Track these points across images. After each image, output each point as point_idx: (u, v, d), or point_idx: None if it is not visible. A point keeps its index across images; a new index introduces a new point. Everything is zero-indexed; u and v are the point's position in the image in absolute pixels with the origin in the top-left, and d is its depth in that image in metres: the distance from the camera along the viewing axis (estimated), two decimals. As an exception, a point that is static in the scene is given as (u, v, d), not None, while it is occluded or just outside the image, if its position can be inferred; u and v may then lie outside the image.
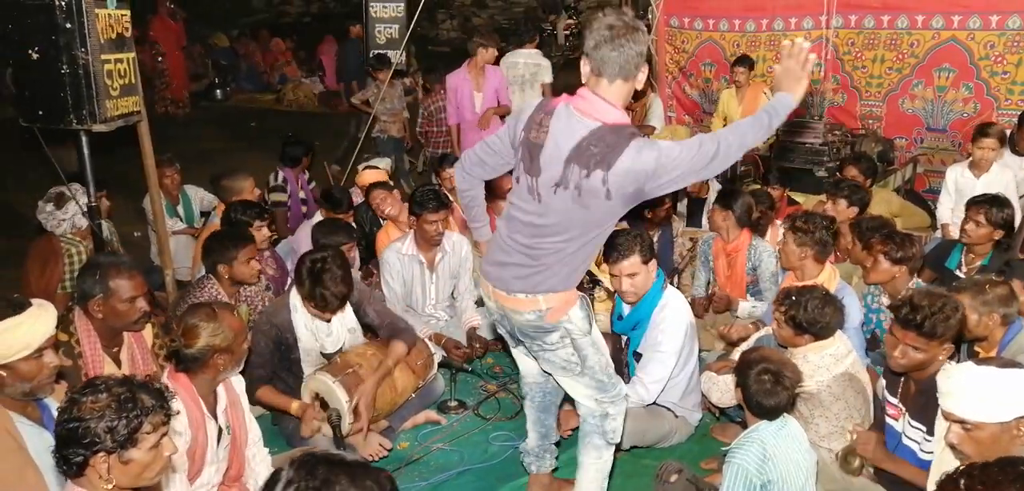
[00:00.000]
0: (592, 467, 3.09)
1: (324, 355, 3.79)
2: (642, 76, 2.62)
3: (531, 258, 2.74)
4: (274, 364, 3.70)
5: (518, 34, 7.90)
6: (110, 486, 1.99)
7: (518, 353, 3.17)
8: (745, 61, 7.19)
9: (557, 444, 3.38)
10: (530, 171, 2.66)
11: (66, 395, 2.03)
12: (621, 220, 2.82)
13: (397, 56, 8.51)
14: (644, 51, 2.58)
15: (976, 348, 3.30)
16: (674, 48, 8.33)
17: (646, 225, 5.05)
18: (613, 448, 3.12)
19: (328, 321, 3.75)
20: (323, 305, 3.59)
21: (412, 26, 8.00)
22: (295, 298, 3.72)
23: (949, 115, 6.75)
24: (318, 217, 5.45)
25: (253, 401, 3.17)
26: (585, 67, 2.62)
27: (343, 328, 3.85)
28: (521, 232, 2.75)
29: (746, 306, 4.61)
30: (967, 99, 6.64)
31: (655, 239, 5.14)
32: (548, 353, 2.92)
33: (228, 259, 3.97)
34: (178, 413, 2.24)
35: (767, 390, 2.77)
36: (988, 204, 4.22)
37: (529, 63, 7.39)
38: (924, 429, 2.81)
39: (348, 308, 3.87)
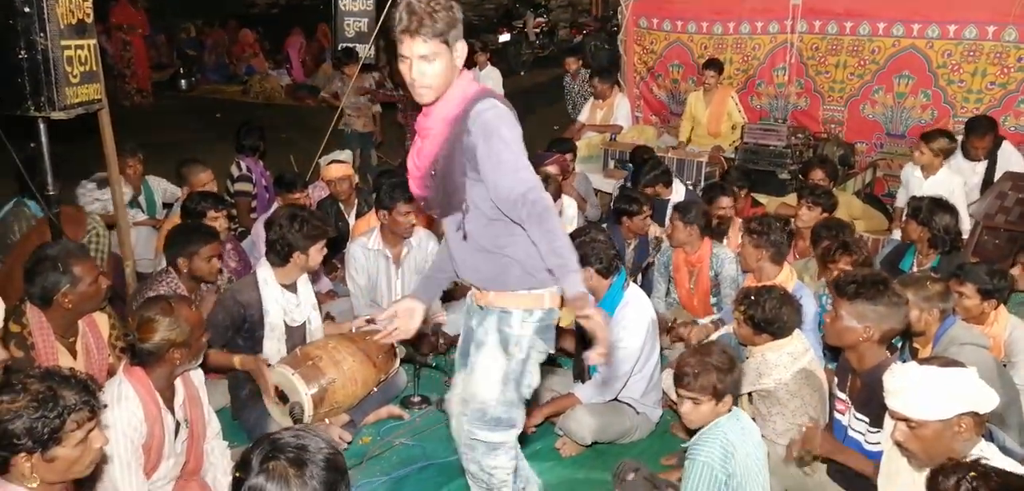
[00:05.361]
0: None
1: (288, 327, 3.79)
2: None
3: None
4: (227, 339, 3.68)
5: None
6: (36, 484, 1.95)
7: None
8: (715, 64, 7.28)
9: None
10: None
11: None
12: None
13: (366, 50, 8.47)
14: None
15: (915, 344, 3.42)
16: (643, 48, 8.40)
17: (624, 231, 5.14)
18: None
19: (295, 288, 3.81)
20: (298, 241, 3.67)
21: (381, 20, 7.97)
22: (264, 272, 3.74)
23: (908, 121, 6.90)
24: (276, 207, 5.41)
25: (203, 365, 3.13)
26: (463, 49, 2.46)
27: (310, 298, 3.92)
28: None
29: (705, 320, 4.66)
30: (925, 106, 6.79)
31: (632, 246, 5.22)
32: None
33: (189, 254, 3.91)
34: (106, 407, 2.17)
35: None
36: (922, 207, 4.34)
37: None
38: (867, 421, 2.90)
39: (310, 285, 4.01)
